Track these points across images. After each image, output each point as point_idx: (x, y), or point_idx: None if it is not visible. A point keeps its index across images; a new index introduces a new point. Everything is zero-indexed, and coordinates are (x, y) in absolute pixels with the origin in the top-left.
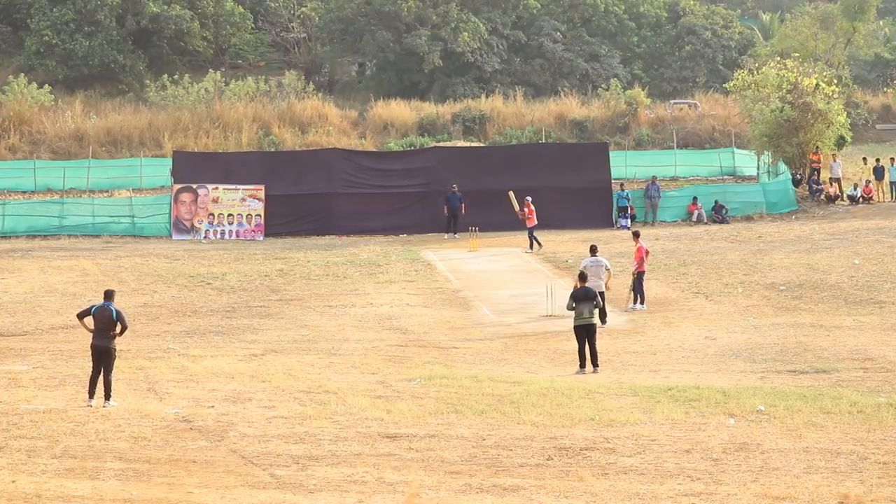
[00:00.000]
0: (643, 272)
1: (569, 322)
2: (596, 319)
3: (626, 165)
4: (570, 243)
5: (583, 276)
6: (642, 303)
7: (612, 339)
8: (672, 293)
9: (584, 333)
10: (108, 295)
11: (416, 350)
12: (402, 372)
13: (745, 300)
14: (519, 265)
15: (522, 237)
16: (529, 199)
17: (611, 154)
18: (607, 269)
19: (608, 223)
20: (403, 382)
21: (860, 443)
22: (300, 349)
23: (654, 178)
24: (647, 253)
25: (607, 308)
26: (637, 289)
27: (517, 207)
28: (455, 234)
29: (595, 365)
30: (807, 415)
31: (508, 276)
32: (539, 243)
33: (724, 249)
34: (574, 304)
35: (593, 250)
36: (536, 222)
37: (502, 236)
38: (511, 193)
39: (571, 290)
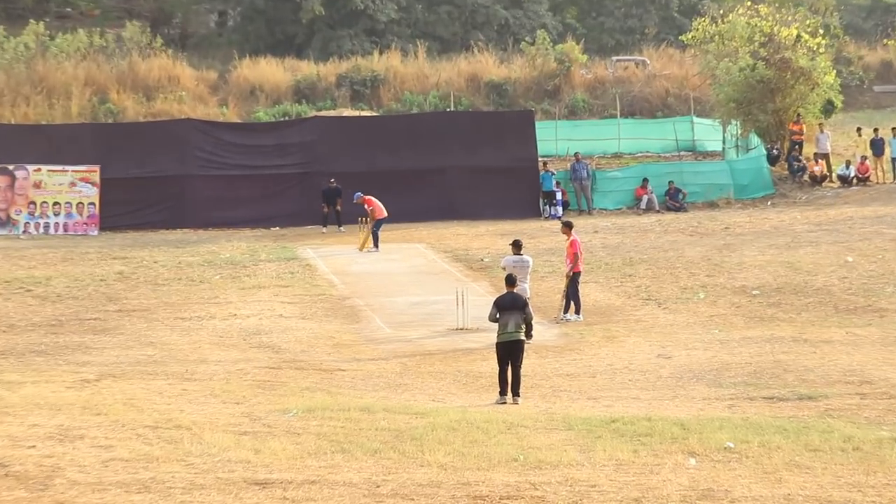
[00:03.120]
0: (579, 273)
1: (485, 337)
2: (523, 335)
3: (557, 139)
4: (486, 237)
5: (511, 280)
6: (577, 312)
7: (541, 357)
8: (615, 300)
9: (508, 352)
10: None
11: (291, 373)
12: (274, 401)
13: (709, 308)
14: (422, 265)
15: (427, 230)
16: (361, 194)
17: (537, 125)
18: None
19: (534, 212)
20: (276, 414)
21: (857, 488)
22: (145, 373)
23: (577, 155)
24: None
25: (534, 320)
26: (571, 294)
27: (366, 232)
28: (340, 226)
29: (516, 394)
30: (788, 453)
31: (409, 280)
32: (376, 244)
33: (681, 244)
34: (498, 315)
35: (517, 246)
36: (386, 214)
37: (400, 229)
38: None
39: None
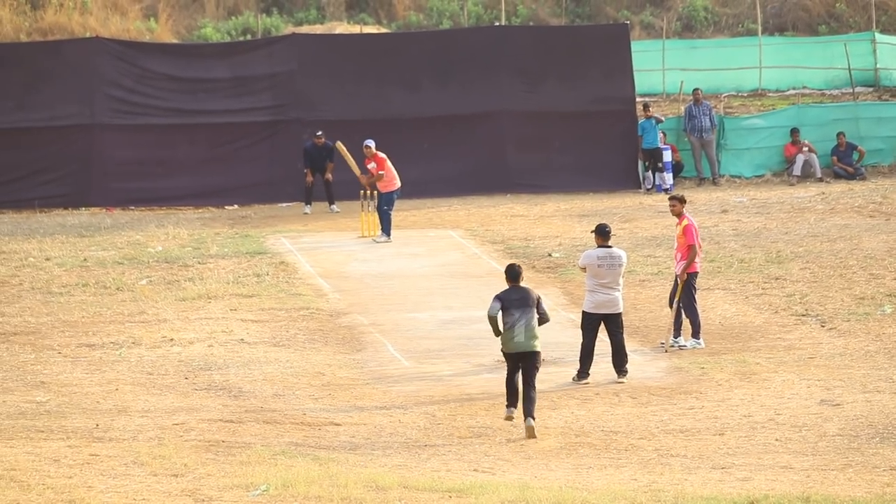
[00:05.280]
0: (695, 275)
1: (557, 372)
2: (538, 343)
3: (665, 69)
4: (556, 220)
5: (514, 273)
6: (695, 335)
7: (640, 405)
8: (755, 315)
9: (518, 364)
10: None
11: (258, 429)
12: (232, 472)
13: None
14: (458, 263)
15: (465, 208)
16: (372, 143)
17: (635, 47)
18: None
19: (630, 181)
20: (234, 493)
21: None
22: (33, 429)
23: (696, 93)
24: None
25: (628, 346)
26: (686, 308)
27: (355, 166)
28: (332, 204)
29: (529, 414)
30: None
31: (438, 286)
32: (387, 231)
33: (856, 230)
34: (500, 310)
35: (604, 235)
36: (399, 185)
37: (425, 207)
38: (340, 144)
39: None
